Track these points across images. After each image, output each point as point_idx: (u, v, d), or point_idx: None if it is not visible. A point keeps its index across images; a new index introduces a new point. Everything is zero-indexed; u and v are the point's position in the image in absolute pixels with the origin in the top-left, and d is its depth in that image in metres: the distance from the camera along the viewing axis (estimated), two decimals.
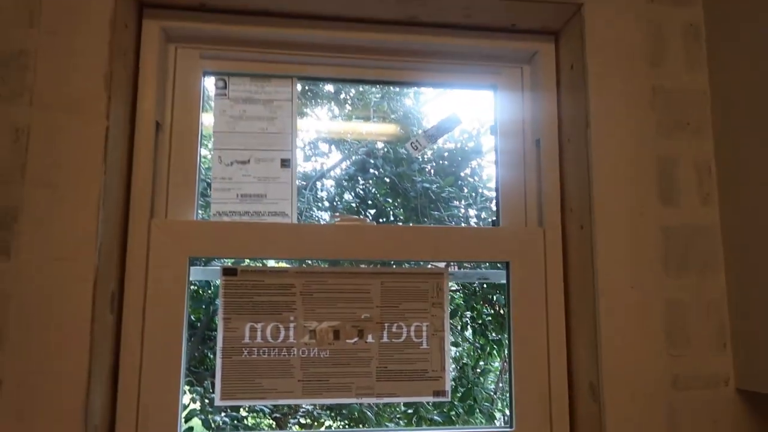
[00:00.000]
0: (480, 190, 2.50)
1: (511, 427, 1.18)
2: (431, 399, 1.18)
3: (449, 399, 1.19)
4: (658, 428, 1.06)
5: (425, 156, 2.51)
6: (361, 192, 2.47)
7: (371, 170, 2.37)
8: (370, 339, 1.17)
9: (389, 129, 2.46)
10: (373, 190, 2.47)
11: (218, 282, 1.15)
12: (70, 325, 0.95)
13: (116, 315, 1.08)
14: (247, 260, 1.26)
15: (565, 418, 1.17)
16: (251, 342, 1.14)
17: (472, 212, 2.50)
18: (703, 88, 1.17)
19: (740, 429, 1.08)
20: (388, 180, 2.43)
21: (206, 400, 2.43)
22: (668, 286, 1.10)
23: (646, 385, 1.07)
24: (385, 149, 2.45)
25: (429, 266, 1.27)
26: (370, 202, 2.49)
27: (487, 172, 2.52)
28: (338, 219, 1.22)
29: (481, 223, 2.50)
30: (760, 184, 1.04)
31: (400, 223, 2.42)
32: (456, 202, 2.45)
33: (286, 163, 1.24)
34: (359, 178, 2.41)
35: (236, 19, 1.19)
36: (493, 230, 1.26)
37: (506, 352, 1.22)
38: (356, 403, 2.34)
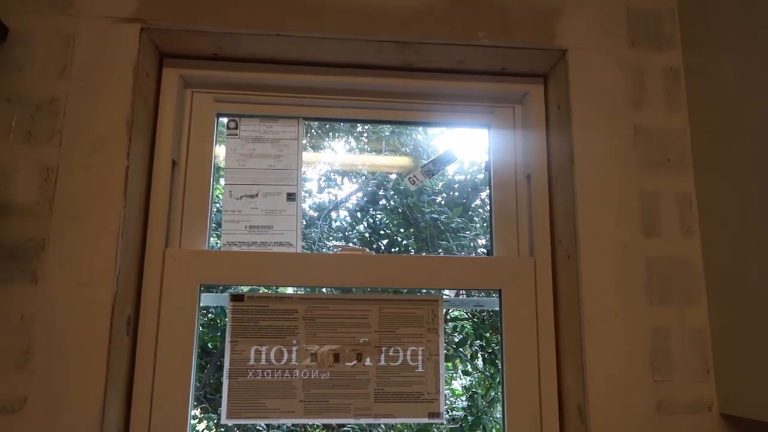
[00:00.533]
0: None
1: None
2: (426, 420, 1.23)
3: (443, 421, 1.24)
4: None
5: (436, 187, 2.58)
6: (374, 222, 2.54)
7: (381, 201, 2.45)
8: (368, 362, 1.24)
9: (401, 161, 2.54)
10: (386, 220, 2.53)
11: None
12: (90, 345, 1.04)
13: (131, 337, 1.15)
14: (263, 288, 1.33)
15: None
16: (256, 364, 1.21)
17: (481, 242, 2.54)
18: (682, 127, 1.23)
19: None
20: (400, 210, 2.49)
21: (222, 429, 2.47)
22: (652, 314, 1.14)
23: (632, 409, 1.10)
24: (397, 181, 2.52)
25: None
26: (382, 232, 2.56)
27: None
28: (340, 249, 1.30)
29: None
30: (739, 216, 1.08)
31: (413, 252, 2.48)
32: (465, 232, 2.50)
33: (291, 196, 1.33)
34: (370, 209, 2.48)
35: (246, 67, 1.29)
36: (486, 260, 1.32)
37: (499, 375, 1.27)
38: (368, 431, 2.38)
